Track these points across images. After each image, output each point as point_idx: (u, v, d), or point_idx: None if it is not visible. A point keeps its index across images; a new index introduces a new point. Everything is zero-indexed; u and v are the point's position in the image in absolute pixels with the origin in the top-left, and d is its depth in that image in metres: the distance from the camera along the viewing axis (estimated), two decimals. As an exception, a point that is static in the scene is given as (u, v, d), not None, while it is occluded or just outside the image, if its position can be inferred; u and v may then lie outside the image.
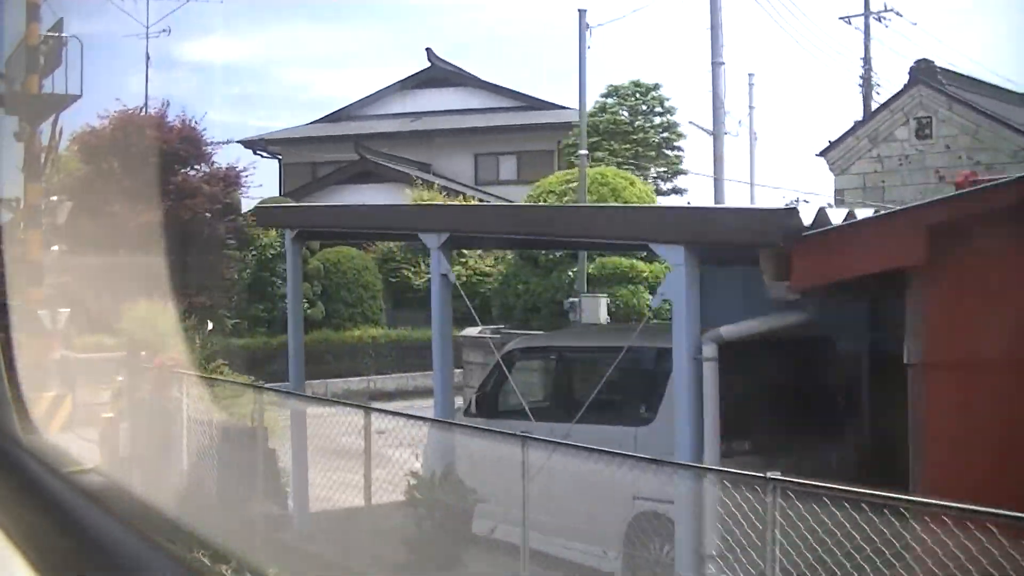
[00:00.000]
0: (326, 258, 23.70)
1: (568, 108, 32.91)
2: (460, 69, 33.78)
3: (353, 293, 23.62)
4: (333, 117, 34.31)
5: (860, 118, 31.97)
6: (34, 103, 19.27)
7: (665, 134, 27.26)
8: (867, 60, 34.02)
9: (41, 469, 2.36)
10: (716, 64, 23.65)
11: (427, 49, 33.81)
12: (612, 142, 26.99)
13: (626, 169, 27.62)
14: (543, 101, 32.84)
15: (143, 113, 21.48)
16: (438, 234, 9.26)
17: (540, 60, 68.65)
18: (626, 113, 27.39)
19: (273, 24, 70.47)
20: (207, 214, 20.86)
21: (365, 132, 31.86)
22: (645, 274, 16.60)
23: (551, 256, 16.78)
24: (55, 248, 19.77)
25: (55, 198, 19.57)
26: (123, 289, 22.05)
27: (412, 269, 24.42)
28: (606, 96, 27.70)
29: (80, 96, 18.68)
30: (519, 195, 25.28)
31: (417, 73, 33.97)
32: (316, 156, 31.53)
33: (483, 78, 33.41)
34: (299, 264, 12.14)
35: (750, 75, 31.54)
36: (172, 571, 1.79)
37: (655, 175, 27.33)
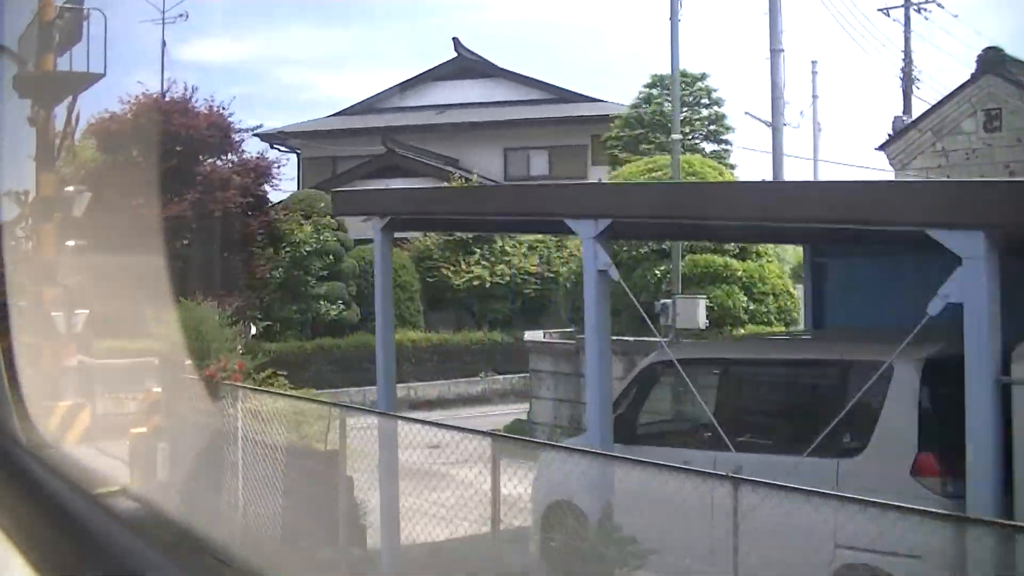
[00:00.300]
0: (360, 255, 21.60)
1: (602, 101, 31.02)
2: (487, 60, 31.73)
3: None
4: (355, 110, 32.19)
5: (901, 112, 30.20)
6: (50, 83, 17.12)
7: (712, 126, 25.29)
8: (907, 53, 32.21)
9: (63, 487, 2.14)
10: (775, 51, 21.65)
11: (454, 39, 31.78)
12: (658, 134, 24.98)
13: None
14: (576, 93, 30.84)
15: (167, 98, 19.33)
16: (595, 220, 7.21)
17: (561, 56, 66.17)
18: (670, 104, 25.33)
19: (271, 23, 68.24)
20: (236, 207, 18.76)
21: (388, 125, 29.75)
22: (739, 273, 14.61)
23: (635, 252, 14.77)
24: (71, 244, 17.60)
25: (71, 189, 17.42)
26: (145, 289, 19.89)
27: (451, 268, 22.36)
28: (650, 86, 25.71)
29: (103, 75, 16.56)
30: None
31: (443, 64, 31.89)
32: (337, 150, 29.39)
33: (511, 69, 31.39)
34: (389, 259, 10.10)
35: (813, 62, 29.51)
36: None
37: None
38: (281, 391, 11.32)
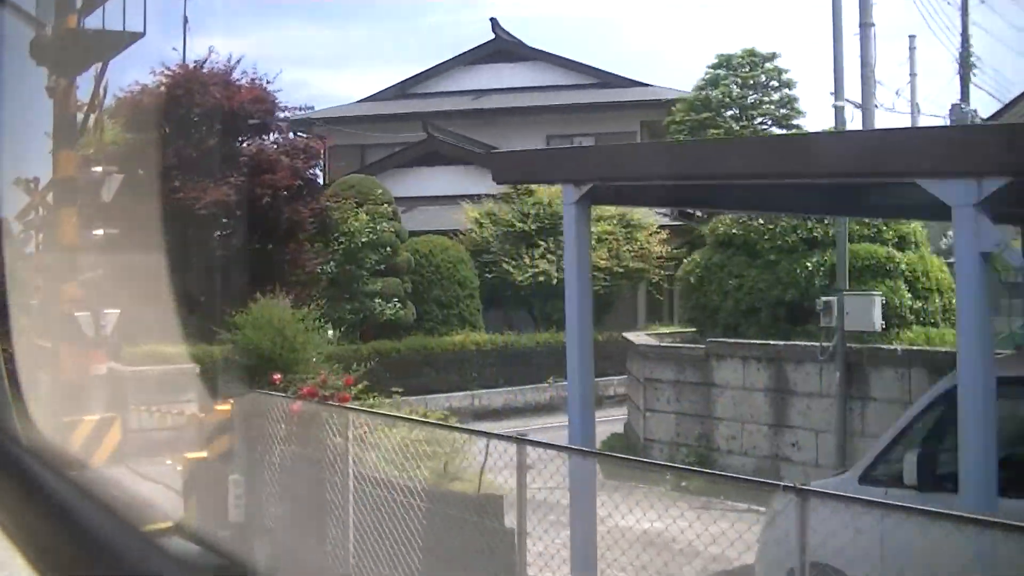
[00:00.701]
0: (415, 248, 18.94)
1: (650, 85, 28.49)
2: (525, 43, 29.10)
3: (448, 291, 18.87)
4: (385, 95, 29.45)
5: (958, 99, 27.84)
6: (77, 46, 14.34)
7: (784, 110, 22.78)
8: (965, 37, 29.86)
9: (100, 518, 1.87)
10: (865, 25, 19.12)
11: (491, 19, 29.08)
12: (726, 119, 22.51)
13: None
14: (623, 78, 28.25)
15: (205, 69, 16.54)
16: (978, 181, 4.60)
17: (601, 40, 62.59)
18: (737, 86, 22.85)
19: (268, 21, 65.17)
20: (286, 193, 16.03)
21: (420, 111, 27.08)
22: (901, 266, 12.08)
23: (781, 241, 12.18)
24: (99, 233, 14.83)
25: (99, 169, 14.65)
26: (184, 284, 17.10)
27: (512, 262, 19.72)
28: (715, 67, 23.17)
29: (143, 34, 13.78)
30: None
31: (478, 47, 29.22)
32: (367, 137, 26.66)
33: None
34: (586, 242, 7.53)
35: (911, 37, 26.87)
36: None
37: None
38: (415, 417, 8.64)
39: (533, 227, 19.78)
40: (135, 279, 16.49)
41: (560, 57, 28.79)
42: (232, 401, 10.52)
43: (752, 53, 22.84)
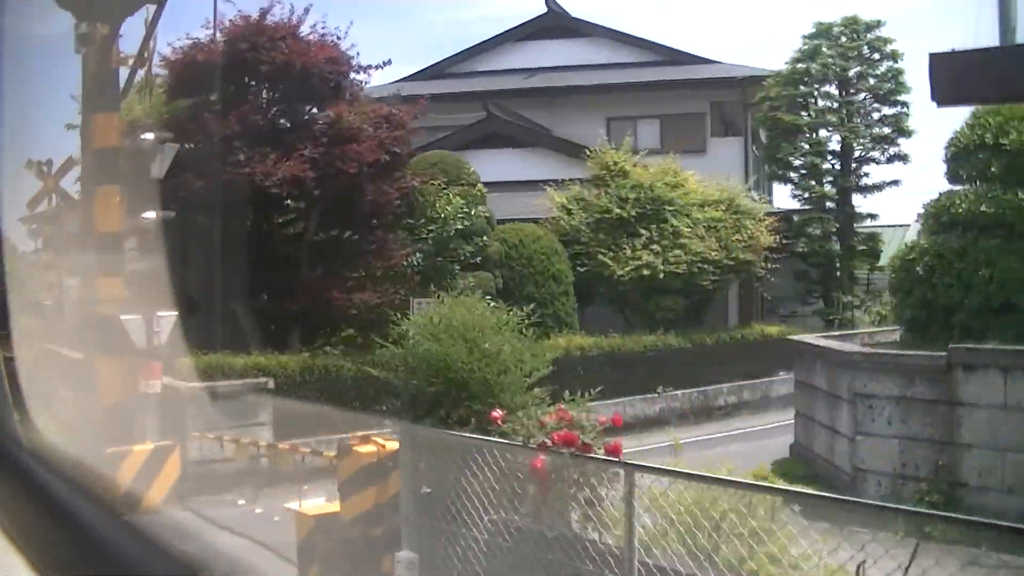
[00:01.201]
0: (502, 237, 15.75)
1: (718, 62, 25.47)
2: (581, 18, 25.93)
3: (542, 288, 15.69)
4: (430, 73, 26.18)
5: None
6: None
7: (890, 84, 19.82)
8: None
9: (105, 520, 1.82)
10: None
11: (544, -9, 25.79)
12: (824, 95, 19.56)
13: (831, 130, 20.20)
14: (689, 54, 25.22)
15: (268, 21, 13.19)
16: None
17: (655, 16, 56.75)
18: (834, 58, 19.83)
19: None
20: (371, 168, 12.78)
21: (468, 90, 23.89)
22: None
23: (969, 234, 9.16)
24: (149, 216, 11.50)
25: (150, 136, 11.33)
26: (252, 280, 13.79)
27: (609, 254, 16.59)
28: (812, 37, 20.16)
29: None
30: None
31: (532, 20, 26.01)
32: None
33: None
34: None
35: None
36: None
37: (871, 137, 19.90)
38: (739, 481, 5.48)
39: (633, 213, 16.66)
40: (191, 274, 13.21)
41: (620, 32, 25.65)
42: (388, 439, 7.36)
43: (853, 21, 19.89)
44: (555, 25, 25.76)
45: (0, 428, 2.49)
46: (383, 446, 7.39)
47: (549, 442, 5.55)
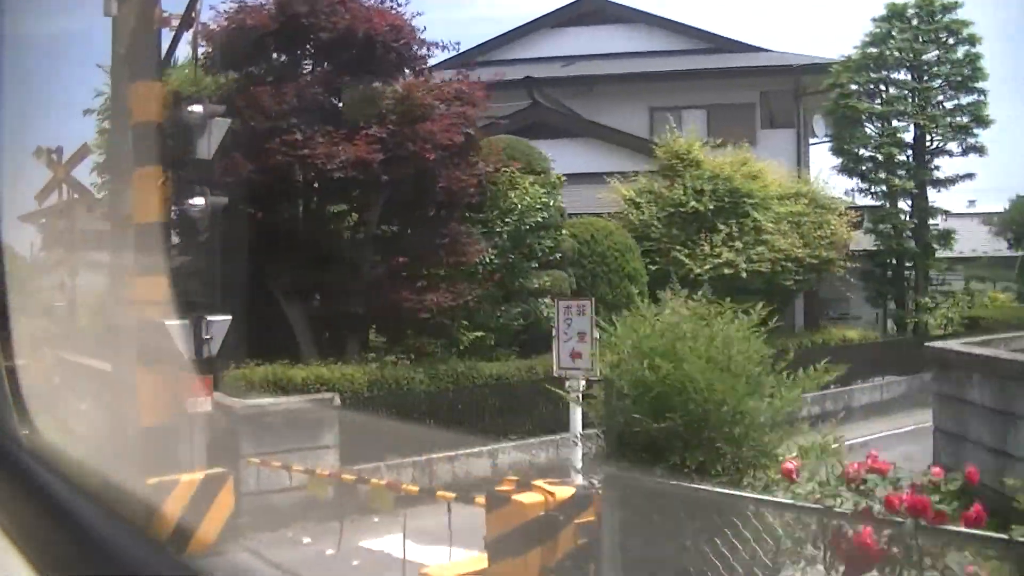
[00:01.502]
0: (572, 232, 13.89)
1: (769, 50, 23.77)
2: (621, 4, 24.07)
3: (617, 288, 13.84)
4: (460, 61, 24.28)
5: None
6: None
7: (967, 70, 18.15)
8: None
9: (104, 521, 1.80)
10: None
11: (582, -25, 23.96)
12: (895, 83, 17.87)
13: (904, 119, 18.48)
14: (737, 41, 23.50)
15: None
16: None
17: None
18: (907, 43, 18.12)
19: None
20: (447, 151, 10.91)
21: (503, 79, 22.00)
22: None
23: None
24: (197, 203, 9.52)
25: (198, 109, 9.38)
26: (310, 280, 11.85)
27: (685, 251, 14.79)
28: (884, 20, 18.46)
29: None
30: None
31: (567, 6, 24.17)
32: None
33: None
34: None
35: None
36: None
37: (947, 126, 18.21)
38: None
39: (710, 206, 14.88)
40: (237, 271, 11.27)
41: (660, 18, 23.88)
42: (553, 485, 5.58)
43: (928, 2, 18.20)
44: (591, 11, 23.94)
45: (0, 428, 2.43)
46: (551, 495, 5.57)
47: (878, 506, 3.76)
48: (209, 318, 9.09)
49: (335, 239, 11.41)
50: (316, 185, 10.58)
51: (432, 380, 10.84)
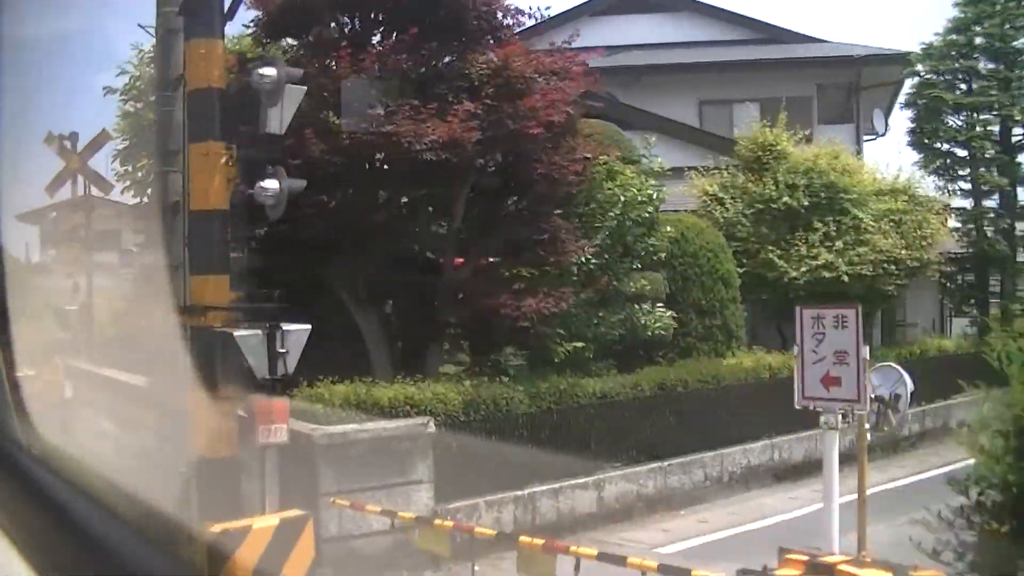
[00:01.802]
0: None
1: (826, 41, 22.17)
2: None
3: (709, 292, 12.11)
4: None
5: None
6: None
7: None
8: None
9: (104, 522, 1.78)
10: None
11: (621, -39, 22.24)
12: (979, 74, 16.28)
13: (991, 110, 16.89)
14: (792, 32, 21.86)
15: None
16: None
17: None
18: (996, 28, 16.50)
19: None
20: (552, 132, 9.15)
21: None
22: None
23: None
24: (269, 187, 7.65)
25: (268, 73, 7.53)
26: (383, 281, 9.94)
27: (777, 251, 13.10)
28: (968, 4, 16.86)
29: None
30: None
31: (607, -7, 22.49)
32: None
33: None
34: None
35: None
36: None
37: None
38: None
39: (804, 203, 13.19)
40: (301, 271, 9.44)
41: (708, 6, 22.18)
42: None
43: (1015, -14, 16.67)
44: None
45: (0, 430, 2.35)
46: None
47: None
48: (285, 328, 7.29)
49: (415, 234, 9.60)
50: (399, 168, 8.74)
51: (532, 400, 9.05)
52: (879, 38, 64.13)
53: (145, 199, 13.50)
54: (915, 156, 17.05)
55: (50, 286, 17.55)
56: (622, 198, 10.13)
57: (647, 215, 10.41)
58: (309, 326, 7.41)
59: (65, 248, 15.45)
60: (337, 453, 7.75)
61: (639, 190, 10.25)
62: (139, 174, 12.83)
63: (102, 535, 1.70)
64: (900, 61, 20.02)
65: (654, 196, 10.56)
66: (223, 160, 7.56)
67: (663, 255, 11.50)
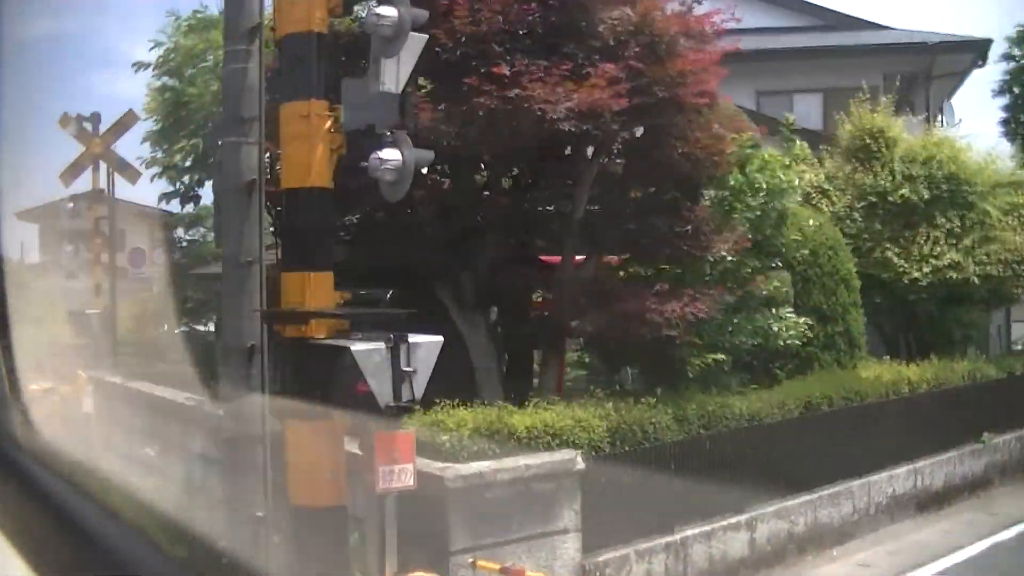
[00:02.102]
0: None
1: (893, 28, 20.61)
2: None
3: (831, 295, 10.46)
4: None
5: None
6: None
7: None
8: None
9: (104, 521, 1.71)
10: None
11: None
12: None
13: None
14: (856, 18, 20.29)
15: None
16: None
17: None
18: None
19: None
20: (701, 100, 7.47)
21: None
22: None
23: None
24: (390, 159, 5.90)
25: (389, 13, 5.82)
26: (502, 280, 8.03)
27: (893, 249, 11.49)
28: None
29: None
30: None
31: (659, -25, 20.85)
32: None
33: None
34: None
35: None
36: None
37: None
38: None
39: (925, 196, 11.58)
40: (394, 264, 7.68)
41: (765, -9, 20.62)
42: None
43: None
44: (687, -18, 20.59)
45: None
46: None
47: None
48: (413, 340, 5.58)
49: (532, 224, 7.87)
50: (526, 141, 7.01)
51: (680, 424, 7.35)
52: (944, 25, 61.02)
53: (179, 186, 11.71)
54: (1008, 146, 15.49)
55: (66, 288, 15.68)
56: (765, 185, 8.46)
57: (785, 205, 8.74)
58: (440, 338, 5.70)
59: (84, 244, 13.55)
60: (471, 499, 6.01)
61: (786, 178, 8.56)
62: (177, 157, 11.00)
63: (102, 534, 1.62)
64: (976, 48, 18.53)
65: (796, 183, 8.89)
66: (327, 124, 5.85)
67: (802, 252, 9.83)
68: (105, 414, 10.92)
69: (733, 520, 7.59)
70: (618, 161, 7.99)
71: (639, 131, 7.59)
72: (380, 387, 5.47)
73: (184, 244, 13.94)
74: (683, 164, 7.71)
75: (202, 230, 13.95)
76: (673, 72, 7.26)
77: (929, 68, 18.45)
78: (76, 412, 12.09)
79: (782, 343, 9.20)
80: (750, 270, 8.75)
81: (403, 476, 5.69)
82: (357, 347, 5.37)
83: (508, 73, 6.90)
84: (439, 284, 7.73)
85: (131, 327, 12.73)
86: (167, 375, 10.09)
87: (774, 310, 9.21)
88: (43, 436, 2.71)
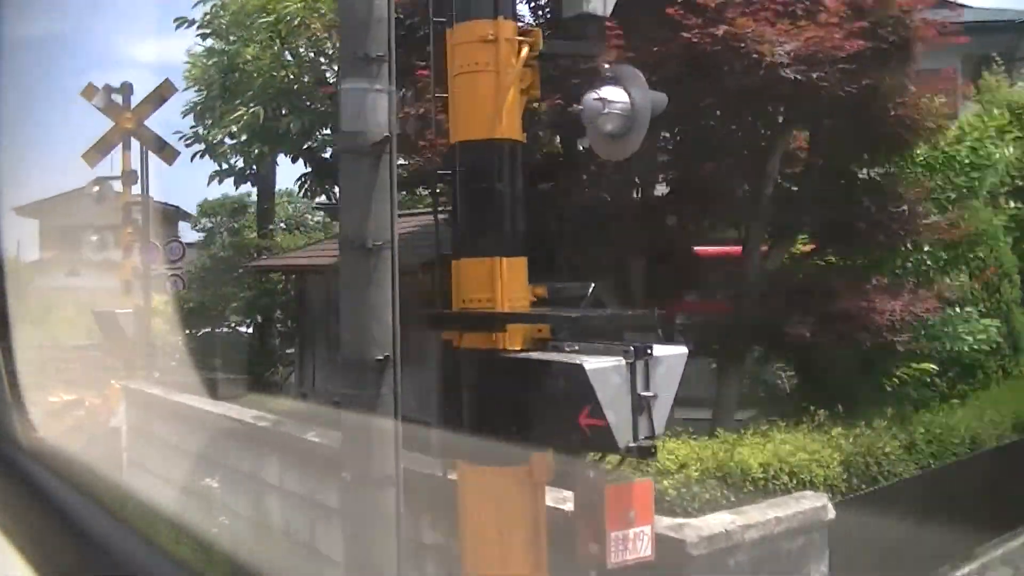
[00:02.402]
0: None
1: (967, 6, 19.11)
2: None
3: (994, 294, 8.91)
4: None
5: None
6: None
7: None
8: None
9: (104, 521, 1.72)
10: None
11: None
12: None
13: None
14: (926, -4, 18.78)
15: None
16: None
17: None
18: None
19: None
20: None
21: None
22: None
23: None
24: (616, 100, 4.19)
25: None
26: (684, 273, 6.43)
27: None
28: None
29: None
30: None
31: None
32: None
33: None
34: None
35: None
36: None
37: None
38: None
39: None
40: (570, 257, 5.98)
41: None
42: None
43: None
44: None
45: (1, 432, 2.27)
46: None
47: None
48: (654, 352, 3.93)
49: (705, 200, 6.24)
50: (734, 94, 5.39)
51: (909, 453, 5.77)
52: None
53: (226, 166, 9.97)
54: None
55: (70, 285, 13.89)
56: (969, 159, 6.89)
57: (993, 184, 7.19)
58: (684, 349, 4.05)
59: (112, 236, 11.73)
60: (713, 564, 4.39)
61: (989, 154, 6.98)
62: (232, 129, 9.24)
63: (102, 534, 1.58)
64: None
65: (996, 156, 7.34)
66: (523, 53, 4.16)
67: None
68: (143, 431, 9.17)
69: (964, 570, 6.01)
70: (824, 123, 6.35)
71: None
72: (618, 420, 3.84)
73: (223, 234, 12.17)
74: (897, 129, 6.11)
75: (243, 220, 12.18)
76: (896, 8, 5.67)
77: (1015, 48, 17.02)
78: (104, 427, 10.37)
79: (967, 348, 7.65)
80: (941, 263, 7.19)
81: (639, 544, 4.07)
82: (592, 364, 3.72)
83: (713, 4, 5.28)
84: (601, 277, 6.09)
85: (168, 329, 10.96)
86: (220, 386, 8.36)
87: (958, 309, 7.67)
88: (43, 436, 2.56)
